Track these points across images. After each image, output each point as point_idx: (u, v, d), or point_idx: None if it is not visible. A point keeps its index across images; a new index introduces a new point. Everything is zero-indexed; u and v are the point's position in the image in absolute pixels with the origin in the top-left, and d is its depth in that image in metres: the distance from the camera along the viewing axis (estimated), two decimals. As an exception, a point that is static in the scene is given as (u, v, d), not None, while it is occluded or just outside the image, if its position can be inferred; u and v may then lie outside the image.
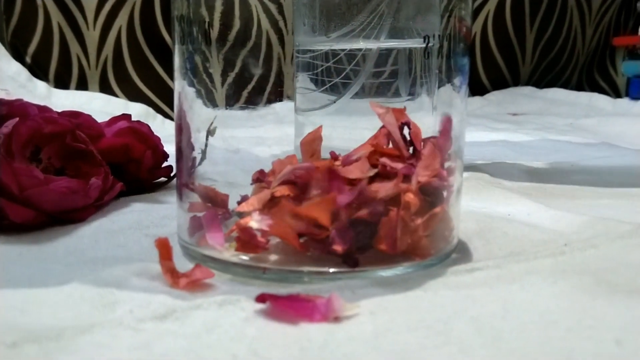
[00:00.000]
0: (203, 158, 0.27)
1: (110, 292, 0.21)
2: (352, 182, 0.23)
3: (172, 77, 0.27)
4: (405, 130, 0.25)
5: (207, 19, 0.25)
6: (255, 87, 0.27)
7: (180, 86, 0.26)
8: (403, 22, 0.27)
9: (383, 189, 0.22)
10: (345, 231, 0.22)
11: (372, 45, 0.28)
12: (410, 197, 0.23)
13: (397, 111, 0.25)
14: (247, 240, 0.23)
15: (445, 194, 0.25)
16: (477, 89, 1.01)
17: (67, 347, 0.17)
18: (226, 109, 0.27)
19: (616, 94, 1.05)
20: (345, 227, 0.22)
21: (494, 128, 0.72)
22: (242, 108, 0.27)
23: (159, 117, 0.78)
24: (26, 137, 0.30)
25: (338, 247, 0.22)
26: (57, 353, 0.17)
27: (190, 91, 0.26)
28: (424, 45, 0.25)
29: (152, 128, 0.39)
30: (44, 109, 0.32)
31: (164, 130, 0.63)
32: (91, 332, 0.18)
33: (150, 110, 0.78)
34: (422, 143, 0.25)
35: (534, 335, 0.18)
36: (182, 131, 0.26)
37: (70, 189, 0.29)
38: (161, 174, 0.38)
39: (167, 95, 0.83)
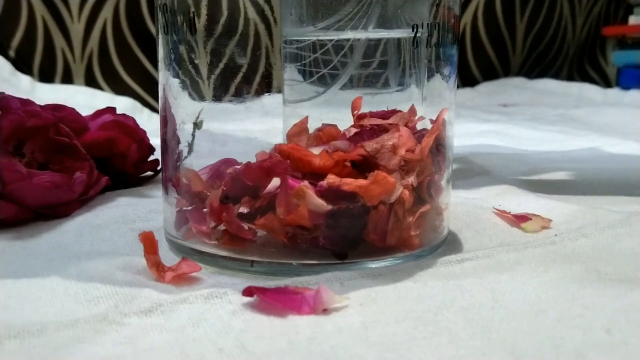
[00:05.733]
0: (190, 151, 0.27)
1: (94, 287, 0.21)
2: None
3: (158, 70, 0.26)
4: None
5: (192, 8, 0.25)
6: (243, 79, 0.27)
7: (165, 77, 0.25)
8: (391, 11, 0.27)
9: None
10: (333, 229, 0.22)
11: (360, 35, 0.28)
12: (405, 193, 0.22)
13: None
14: (234, 234, 0.23)
15: (436, 190, 0.25)
16: (467, 80, 1.01)
17: (50, 343, 0.17)
18: (213, 100, 0.27)
19: (607, 84, 1.05)
20: (333, 225, 0.21)
21: (484, 119, 0.72)
22: (230, 100, 0.27)
23: (146, 110, 0.77)
24: (9, 131, 0.30)
25: (326, 245, 0.22)
26: (40, 348, 0.17)
27: (175, 82, 0.25)
28: (412, 35, 0.25)
29: (139, 122, 0.39)
30: (26, 102, 0.31)
31: (151, 123, 0.62)
32: (74, 327, 0.18)
33: (137, 103, 0.77)
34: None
35: (524, 325, 0.18)
36: (167, 123, 0.25)
37: (54, 184, 0.28)
38: (147, 168, 0.38)
39: (153, 88, 0.82)
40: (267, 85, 0.27)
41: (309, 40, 0.29)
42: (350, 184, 0.21)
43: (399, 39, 0.28)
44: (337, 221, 0.22)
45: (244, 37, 0.27)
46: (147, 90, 0.83)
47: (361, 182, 0.21)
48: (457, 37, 0.26)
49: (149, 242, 0.22)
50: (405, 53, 0.28)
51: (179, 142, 0.26)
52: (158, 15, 0.25)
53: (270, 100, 0.28)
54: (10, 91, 0.45)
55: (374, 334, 0.18)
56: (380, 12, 0.27)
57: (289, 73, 0.30)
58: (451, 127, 0.26)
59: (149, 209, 0.30)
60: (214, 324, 0.18)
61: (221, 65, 0.26)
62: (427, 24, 0.25)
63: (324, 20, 0.28)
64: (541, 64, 1.06)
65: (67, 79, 0.81)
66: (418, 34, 0.25)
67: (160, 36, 0.25)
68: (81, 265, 0.23)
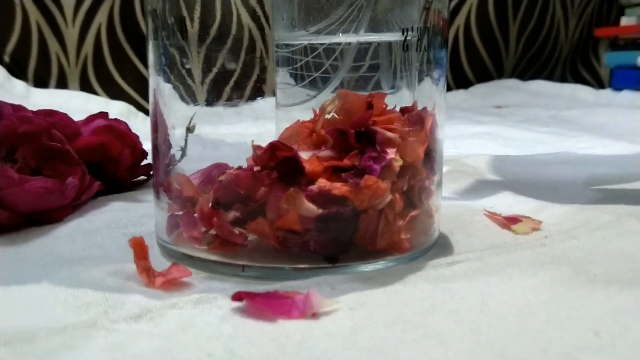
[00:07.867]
0: (183, 155, 0.27)
1: (84, 293, 0.21)
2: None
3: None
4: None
5: (183, 13, 0.25)
6: (236, 83, 0.27)
7: (155, 82, 0.25)
8: (382, 15, 0.27)
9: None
10: (324, 233, 0.22)
11: (351, 39, 0.28)
12: (396, 197, 0.22)
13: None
14: (225, 238, 0.23)
15: (427, 193, 0.25)
16: (461, 81, 1.01)
17: (39, 349, 0.17)
18: (205, 105, 0.27)
19: (599, 85, 1.05)
20: (323, 229, 0.21)
21: (478, 121, 0.72)
22: (222, 105, 0.27)
23: (141, 115, 0.77)
24: (1, 137, 0.30)
25: (317, 249, 0.22)
26: (29, 355, 0.17)
27: (166, 87, 0.26)
28: (402, 39, 0.25)
29: (134, 126, 0.39)
30: (18, 108, 0.31)
31: (145, 128, 0.62)
32: (64, 334, 0.18)
33: (132, 108, 0.77)
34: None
35: (513, 328, 0.18)
36: (157, 128, 0.25)
37: (46, 189, 0.28)
38: (140, 173, 0.38)
39: (148, 93, 0.82)
40: (259, 89, 0.28)
41: (301, 44, 0.29)
42: (340, 188, 0.21)
43: (389, 43, 0.28)
44: (328, 225, 0.22)
45: (236, 42, 0.27)
46: (142, 94, 0.83)
47: (351, 186, 0.21)
48: (446, 40, 0.27)
49: (139, 248, 0.22)
50: (396, 56, 0.28)
51: (170, 146, 0.26)
52: (148, 20, 0.25)
53: (263, 104, 0.28)
54: (4, 96, 0.46)
55: (364, 338, 0.18)
56: (371, 16, 0.27)
57: (281, 77, 0.30)
58: (441, 130, 0.26)
59: (141, 214, 0.30)
60: (203, 329, 0.18)
61: (214, 70, 0.26)
62: (417, 27, 0.25)
63: (316, 24, 0.28)
64: (534, 65, 1.07)
65: (62, 83, 0.81)
66: (408, 38, 0.25)
67: (150, 41, 0.25)
68: (72, 271, 0.23)
